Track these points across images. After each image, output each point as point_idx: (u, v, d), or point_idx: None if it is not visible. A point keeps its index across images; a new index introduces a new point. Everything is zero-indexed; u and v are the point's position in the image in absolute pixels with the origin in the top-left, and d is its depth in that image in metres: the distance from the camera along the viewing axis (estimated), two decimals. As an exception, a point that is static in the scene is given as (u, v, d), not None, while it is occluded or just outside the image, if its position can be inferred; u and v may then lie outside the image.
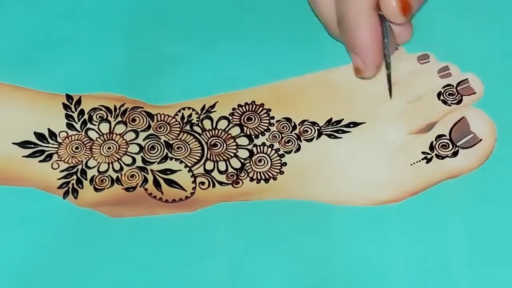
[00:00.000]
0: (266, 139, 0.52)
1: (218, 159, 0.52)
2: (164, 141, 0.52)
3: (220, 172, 0.51)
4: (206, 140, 0.52)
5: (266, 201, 0.50)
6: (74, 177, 0.51)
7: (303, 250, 0.48)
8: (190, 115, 0.53)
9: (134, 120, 0.53)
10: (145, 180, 0.51)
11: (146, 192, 0.51)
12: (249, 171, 0.51)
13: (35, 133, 0.53)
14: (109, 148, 0.52)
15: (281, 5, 0.57)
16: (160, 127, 0.53)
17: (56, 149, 0.52)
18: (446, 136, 0.52)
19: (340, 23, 0.51)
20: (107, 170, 0.51)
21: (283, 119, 0.53)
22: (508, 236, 0.48)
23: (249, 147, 0.52)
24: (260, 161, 0.52)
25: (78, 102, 0.54)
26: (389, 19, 0.50)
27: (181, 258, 0.48)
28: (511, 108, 0.52)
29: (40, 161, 0.52)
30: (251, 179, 0.51)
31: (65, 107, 0.54)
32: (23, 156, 0.52)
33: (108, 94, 0.54)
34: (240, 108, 0.54)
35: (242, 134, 0.53)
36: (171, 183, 0.51)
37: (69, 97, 0.54)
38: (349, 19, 0.50)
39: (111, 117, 0.53)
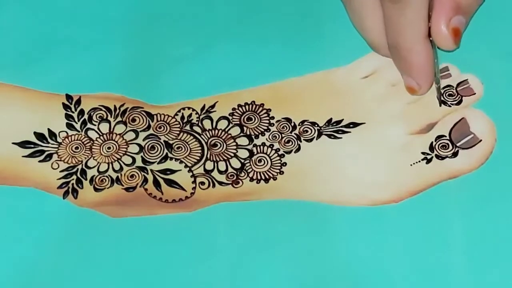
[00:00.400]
0: (266, 139, 0.52)
1: (218, 159, 0.52)
2: (164, 141, 0.52)
3: (220, 172, 0.51)
4: (206, 140, 0.53)
5: (266, 201, 0.50)
6: (74, 177, 0.51)
7: (303, 250, 0.48)
8: (190, 115, 0.53)
9: (134, 120, 0.53)
10: (145, 180, 0.51)
11: (146, 192, 0.51)
12: (249, 171, 0.51)
13: (35, 133, 0.53)
14: (109, 148, 0.52)
15: (281, 5, 0.57)
16: (160, 127, 0.53)
17: (56, 149, 0.52)
18: (446, 136, 0.52)
19: (393, 49, 0.52)
20: (107, 170, 0.51)
21: (283, 119, 0.53)
22: (508, 236, 0.48)
23: (249, 147, 0.52)
24: (260, 161, 0.52)
25: (78, 102, 0.54)
26: (441, 48, 0.52)
27: (181, 258, 0.48)
28: (511, 108, 0.52)
29: (40, 161, 0.52)
30: (251, 179, 0.51)
31: (65, 107, 0.54)
32: (23, 156, 0.52)
33: (108, 94, 0.54)
34: (240, 108, 0.54)
35: (242, 134, 0.53)
36: (171, 183, 0.51)
37: (69, 97, 0.54)
38: (405, 47, 0.51)
39: (111, 117, 0.53)
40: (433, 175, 0.50)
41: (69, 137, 0.53)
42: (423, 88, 0.52)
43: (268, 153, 0.52)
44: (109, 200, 0.51)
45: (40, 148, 0.52)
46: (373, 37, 0.53)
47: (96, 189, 0.51)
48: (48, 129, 0.53)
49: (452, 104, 0.53)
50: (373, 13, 0.52)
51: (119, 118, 0.53)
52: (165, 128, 0.53)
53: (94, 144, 0.52)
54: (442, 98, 0.53)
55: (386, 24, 0.51)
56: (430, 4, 0.50)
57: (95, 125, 0.53)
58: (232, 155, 0.52)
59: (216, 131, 0.53)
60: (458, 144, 0.51)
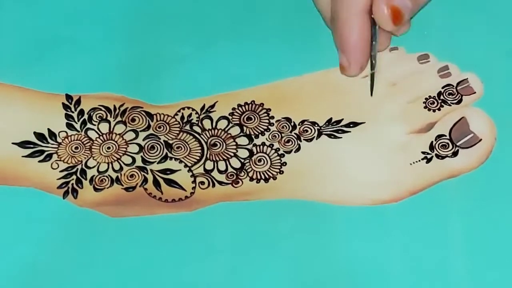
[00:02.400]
0: (266, 139, 0.52)
1: (218, 159, 0.52)
2: (164, 141, 0.52)
3: (220, 171, 0.51)
4: (205, 140, 0.53)
5: (266, 201, 0.50)
6: (74, 177, 0.51)
7: (303, 250, 0.48)
8: (190, 115, 0.53)
9: (133, 120, 0.53)
10: (145, 180, 0.51)
11: (146, 192, 0.51)
12: (249, 170, 0.51)
13: (34, 133, 0.53)
14: (108, 148, 0.52)
15: (281, 5, 0.57)
16: (159, 127, 0.53)
17: (56, 149, 0.52)
18: (446, 136, 0.52)
19: (332, 20, 0.51)
20: (106, 170, 0.52)
21: (283, 119, 0.53)
22: (508, 236, 0.48)
23: (249, 147, 0.52)
24: (260, 161, 0.52)
25: (78, 102, 0.54)
26: (380, 26, 0.51)
27: (181, 258, 0.48)
28: (511, 108, 0.52)
29: (39, 161, 0.52)
30: (251, 179, 0.51)
31: (65, 107, 0.54)
32: (22, 156, 0.52)
33: (108, 94, 0.54)
34: (239, 108, 0.54)
35: (242, 134, 0.53)
36: (171, 183, 0.51)
37: (68, 97, 0.54)
38: (340, 18, 0.50)
39: (110, 117, 0.53)
40: (433, 174, 0.50)
41: (69, 137, 0.53)
42: (352, 67, 0.51)
43: (268, 153, 0.52)
44: (109, 200, 0.51)
45: (40, 148, 0.52)
46: (321, 8, 0.52)
47: (96, 189, 0.51)
48: (48, 129, 0.53)
49: (452, 103, 0.53)
50: None
51: (119, 118, 0.53)
52: (165, 128, 0.53)
53: (94, 144, 0.52)
54: (373, 89, 0.52)
55: None
56: None
57: (95, 125, 0.53)
58: (232, 154, 0.52)
59: (216, 131, 0.53)
60: (458, 144, 0.51)
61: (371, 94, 0.52)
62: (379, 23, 0.50)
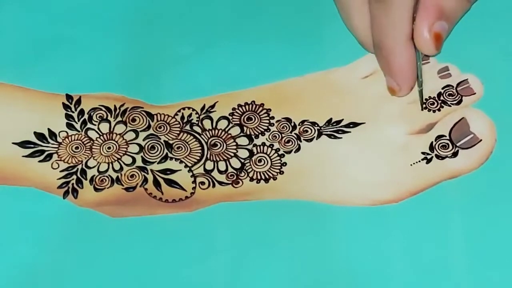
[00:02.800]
0: (266, 139, 0.52)
1: (218, 159, 0.52)
2: (164, 141, 0.52)
3: (220, 172, 0.51)
4: (206, 140, 0.53)
5: (266, 201, 0.50)
6: (74, 177, 0.51)
7: (303, 250, 0.48)
8: (190, 115, 0.53)
9: (134, 120, 0.53)
10: (145, 180, 0.51)
11: (146, 192, 0.51)
12: (249, 171, 0.51)
13: (35, 133, 0.53)
14: (109, 148, 0.52)
15: (281, 5, 0.57)
16: (160, 127, 0.53)
17: (56, 149, 0.52)
18: (446, 136, 0.52)
19: (376, 48, 0.52)
20: (107, 170, 0.51)
21: (283, 119, 0.53)
22: (508, 236, 0.48)
23: (249, 147, 0.52)
24: (260, 161, 0.52)
25: (78, 102, 0.54)
26: (422, 52, 0.52)
27: (181, 258, 0.48)
28: (511, 108, 0.52)
29: (40, 161, 0.52)
30: (251, 179, 0.51)
31: (65, 107, 0.54)
32: (23, 156, 0.52)
33: (108, 94, 0.54)
34: (240, 108, 0.54)
35: (242, 134, 0.53)
36: (171, 183, 0.51)
37: (69, 97, 0.54)
38: (387, 47, 0.51)
39: (111, 117, 0.53)
40: (433, 175, 0.50)
41: (69, 137, 0.53)
42: (403, 89, 0.52)
43: (268, 153, 0.52)
44: (109, 200, 0.51)
45: (40, 148, 0.52)
46: (360, 35, 0.53)
47: (96, 189, 0.51)
48: (48, 129, 0.53)
49: (452, 104, 0.53)
50: (361, 11, 0.52)
51: (119, 118, 0.53)
52: (165, 128, 0.53)
53: (94, 144, 0.52)
54: (424, 103, 0.53)
55: (372, 23, 0.52)
56: (415, 7, 0.51)
57: (95, 125, 0.53)
58: (232, 155, 0.52)
59: (216, 131, 0.53)
60: (458, 144, 0.51)
61: (422, 109, 0.53)
62: (422, 50, 0.51)
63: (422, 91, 0.53)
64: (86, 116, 0.53)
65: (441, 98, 0.53)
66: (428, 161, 0.51)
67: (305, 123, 0.53)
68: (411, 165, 0.51)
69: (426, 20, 0.51)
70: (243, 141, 0.52)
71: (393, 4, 0.50)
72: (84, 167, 0.52)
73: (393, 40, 0.51)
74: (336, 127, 0.53)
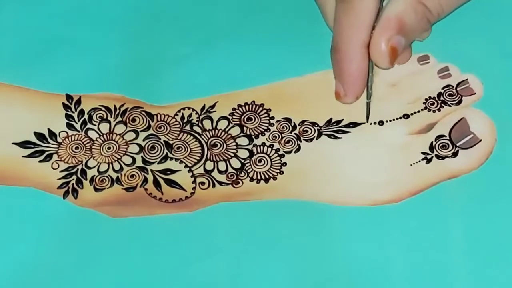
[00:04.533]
0: (266, 139, 0.52)
1: (218, 159, 0.52)
2: (164, 141, 0.52)
3: (220, 172, 0.51)
4: (206, 140, 0.53)
5: (266, 201, 0.50)
6: (74, 177, 0.51)
7: (303, 250, 0.48)
8: (190, 115, 0.53)
9: (134, 120, 0.53)
10: (145, 180, 0.51)
11: (146, 192, 0.51)
12: (249, 171, 0.51)
13: (35, 133, 0.53)
14: (109, 148, 0.52)
15: (281, 5, 0.57)
16: (160, 127, 0.53)
17: (56, 149, 0.52)
18: (446, 136, 0.52)
19: (332, 50, 0.52)
20: (107, 170, 0.52)
21: (283, 119, 0.53)
22: (508, 236, 0.48)
23: (249, 147, 0.52)
24: (260, 161, 0.52)
25: (78, 102, 0.54)
26: (375, 63, 0.51)
27: (181, 258, 0.48)
28: (511, 108, 0.52)
29: (40, 161, 0.52)
30: (251, 179, 0.51)
31: (65, 107, 0.54)
32: (23, 156, 0.52)
33: (108, 94, 0.54)
34: (240, 108, 0.54)
35: (242, 134, 0.53)
36: (171, 183, 0.51)
37: (69, 97, 0.54)
38: (341, 50, 0.51)
39: (111, 117, 0.53)
40: (433, 175, 0.50)
41: (69, 137, 0.53)
42: (348, 96, 0.52)
43: (268, 153, 0.52)
44: (109, 200, 0.51)
45: (40, 148, 0.52)
46: (327, 18, 0.53)
47: (96, 189, 0.51)
48: (48, 129, 0.53)
49: (452, 104, 0.53)
50: (331, 10, 0.52)
51: (119, 118, 0.53)
52: (165, 128, 0.53)
53: (94, 144, 0.52)
54: (369, 116, 0.52)
55: (334, 22, 0.52)
56: (376, 16, 0.50)
57: (95, 125, 0.53)
58: (232, 155, 0.52)
59: (216, 131, 0.53)
60: (458, 144, 0.51)
61: (367, 121, 0.52)
62: (375, 61, 0.51)
63: (370, 104, 0.52)
64: (86, 116, 0.53)
65: (441, 98, 0.53)
66: (428, 161, 0.51)
67: (305, 123, 0.53)
68: (411, 165, 0.51)
69: (385, 31, 0.50)
70: (243, 141, 0.52)
71: (355, 7, 0.50)
72: (84, 167, 0.52)
73: (348, 44, 0.51)
74: (336, 127, 0.53)
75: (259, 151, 0.52)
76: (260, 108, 0.54)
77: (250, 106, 0.54)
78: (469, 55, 0.54)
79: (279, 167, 0.51)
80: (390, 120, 0.52)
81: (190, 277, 0.48)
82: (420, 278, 0.47)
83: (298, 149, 0.52)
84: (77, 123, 0.53)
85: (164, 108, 0.54)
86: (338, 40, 0.51)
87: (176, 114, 0.53)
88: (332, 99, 0.53)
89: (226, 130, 0.53)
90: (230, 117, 0.53)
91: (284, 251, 0.48)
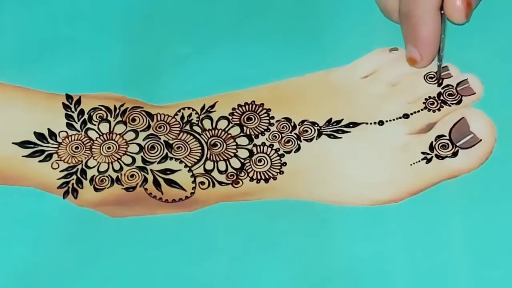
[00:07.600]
0: (266, 139, 0.52)
1: (218, 159, 0.52)
2: (164, 141, 0.52)
3: (220, 172, 0.51)
4: (206, 140, 0.53)
5: (266, 201, 0.50)
6: (74, 177, 0.51)
7: (303, 250, 0.48)
8: (190, 115, 0.53)
9: (134, 120, 0.53)
10: (145, 180, 0.51)
11: (146, 192, 0.51)
12: (249, 171, 0.51)
13: (35, 133, 0.53)
14: (109, 148, 0.52)
15: (281, 5, 0.57)
16: (160, 127, 0.53)
17: (56, 149, 0.52)
18: (446, 136, 0.52)
19: (403, 16, 0.53)
20: (107, 170, 0.52)
21: (283, 119, 0.53)
22: (508, 236, 0.48)
23: (249, 147, 0.52)
24: (260, 161, 0.52)
25: (78, 102, 0.54)
26: (452, 20, 0.52)
27: (181, 258, 0.48)
28: (511, 108, 0.52)
29: (40, 161, 0.52)
30: (251, 179, 0.51)
31: (65, 107, 0.54)
32: (23, 156, 0.52)
33: (108, 94, 0.54)
34: (240, 108, 0.54)
35: (242, 134, 0.53)
36: (171, 183, 0.51)
37: (69, 97, 0.54)
38: (415, 15, 0.52)
39: (111, 117, 0.53)
40: (433, 175, 0.50)
41: (69, 137, 0.53)
42: (424, 59, 0.53)
43: (268, 153, 0.52)
44: (109, 200, 0.51)
45: (40, 148, 0.52)
46: (387, 3, 0.54)
47: (96, 189, 0.51)
48: (48, 129, 0.53)
49: (452, 104, 0.53)
50: None
51: (119, 118, 0.53)
52: (165, 128, 0.53)
53: (94, 144, 0.52)
54: (441, 78, 0.53)
55: None
56: None
57: (95, 125, 0.53)
58: (232, 155, 0.52)
59: (216, 131, 0.53)
60: (458, 144, 0.51)
61: (438, 85, 0.53)
62: (452, 18, 0.52)
63: (441, 66, 0.53)
64: (86, 116, 0.53)
65: (441, 98, 0.53)
66: (428, 161, 0.51)
67: (305, 123, 0.53)
68: (411, 165, 0.51)
69: None
70: (243, 141, 0.52)
71: None
72: (84, 167, 0.52)
73: (422, 8, 0.51)
74: (336, 127, 0.53)
75: (259, 151, 0.52)
76: (260, 108, 0.54)
77: (250, 106, 0.54)
78: (469, 55, 0.54)
79: (279, 167, 0.51)
80: (390, 120, 0.52)
81: (190, 277, 0.48)
82: (420, 278, 0.47)
83: (298, 149, 0.52)
84: (77, 123, 0.53)
85: (164, 108, 0.54)
86: (411, 7, 0.52)
87: (176, 114, 0.53)
88: (332, 99, 0.53)
89: (226, 130, 0.53)
90: (230, 117, 0.53)
91: (284, 251, 0.48)
